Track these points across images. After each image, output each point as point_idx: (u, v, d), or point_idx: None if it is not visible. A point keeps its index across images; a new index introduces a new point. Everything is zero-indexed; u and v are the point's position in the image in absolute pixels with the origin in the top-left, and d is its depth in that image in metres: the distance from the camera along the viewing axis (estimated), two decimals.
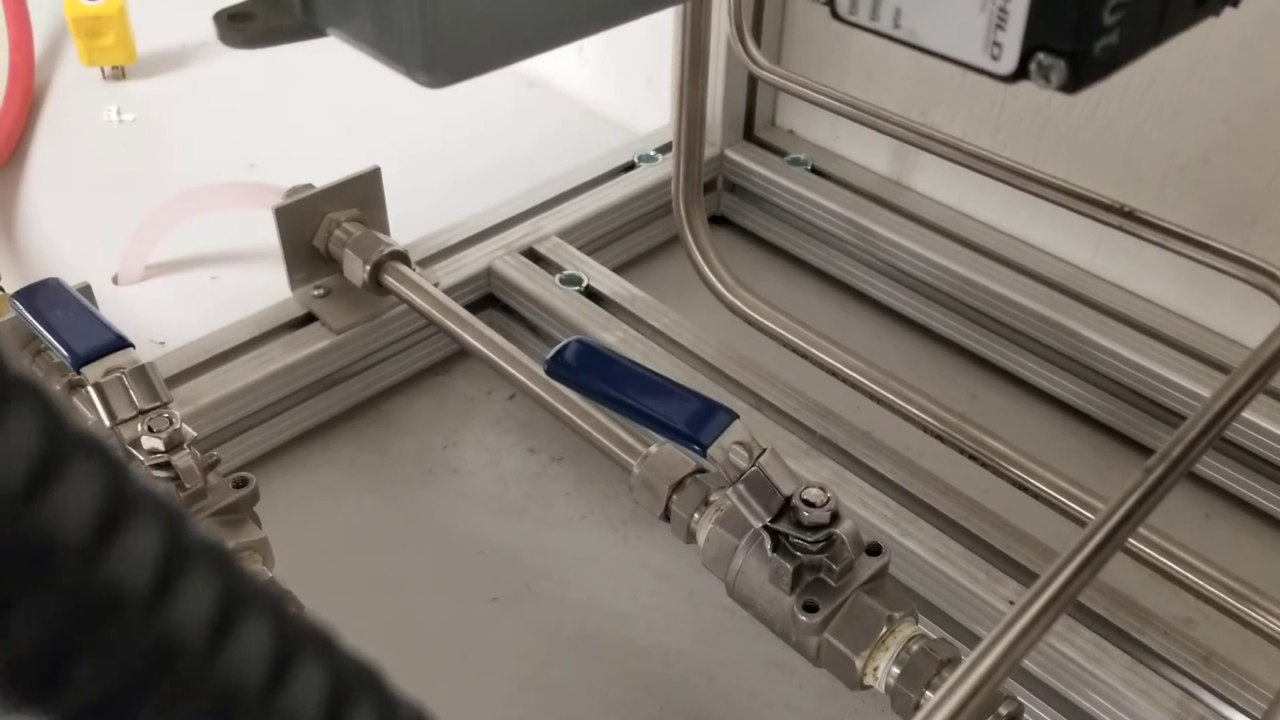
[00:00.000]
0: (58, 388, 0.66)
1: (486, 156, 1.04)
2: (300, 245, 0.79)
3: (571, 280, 0.82)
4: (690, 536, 0.59)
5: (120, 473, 0.14)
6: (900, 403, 0.69)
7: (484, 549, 0.73)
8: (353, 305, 0.79)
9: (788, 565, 0.53)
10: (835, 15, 0.33)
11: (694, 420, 0.54)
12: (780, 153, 0.95)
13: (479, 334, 0.71)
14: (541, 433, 0.80)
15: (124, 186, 1.05)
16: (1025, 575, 0.62)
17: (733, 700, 0.65)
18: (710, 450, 0.53)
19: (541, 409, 0.68)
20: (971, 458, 0.66)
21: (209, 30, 0.36)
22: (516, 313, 0.84)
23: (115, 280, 0.92)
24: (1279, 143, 0.70)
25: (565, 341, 0.58)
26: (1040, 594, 0.45)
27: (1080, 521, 0.62)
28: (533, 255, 0.85)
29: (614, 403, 0.57)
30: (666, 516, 0.60)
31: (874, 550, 0.54)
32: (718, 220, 0.98)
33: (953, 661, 0.51)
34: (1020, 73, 0.30)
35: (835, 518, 0.53)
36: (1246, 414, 0.69)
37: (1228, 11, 0.34)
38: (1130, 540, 0.60)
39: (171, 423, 0.56)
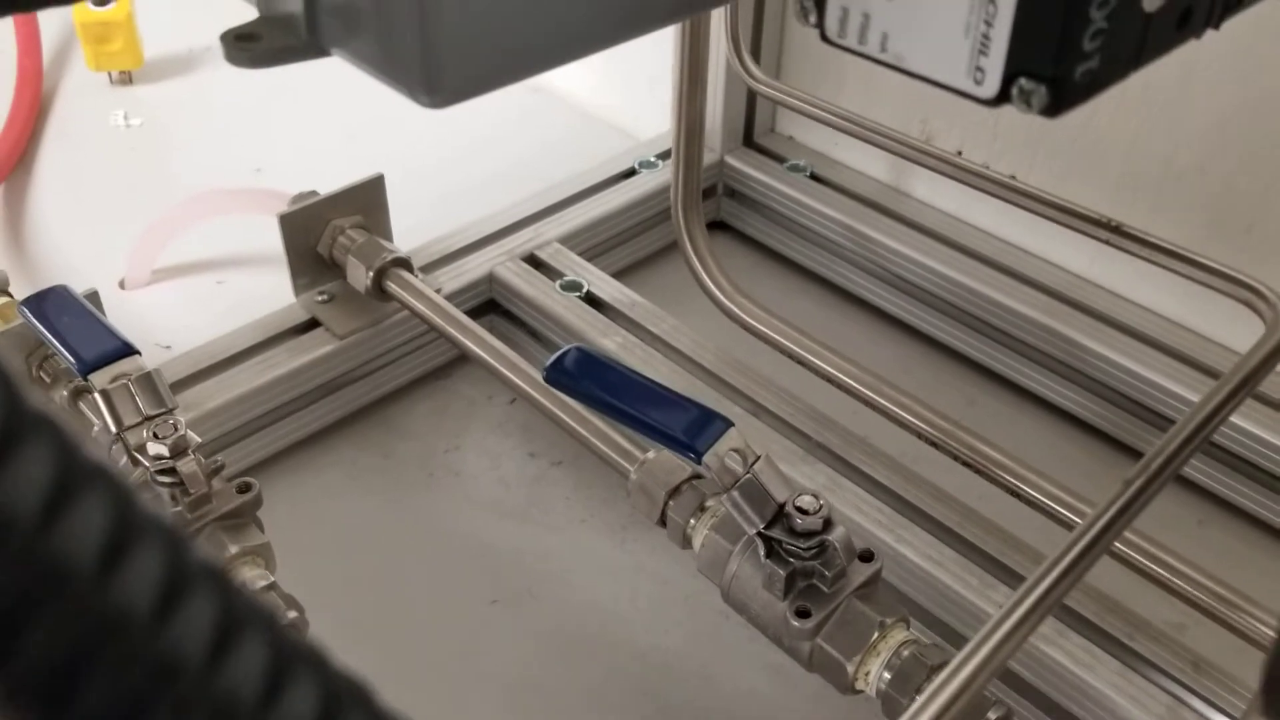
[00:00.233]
0: (65, 393, 0.67)
1: (490, 161, 1.05)
2: (304, 251, 0.80)
3: (572, 286, 0.83)
4: (686, 542, 0.60)
5: (128, 501, 0.15)
6: (895, 409, 0.70)
7: (485, 552, 0.74)
8: (356, 311, 0.80)
9: (781, 571, 0.54)
10: (824, 38, 0.34)
11: (690, 428, 0.55)
12: (780, 159, 0.96)
13: (480, 340, 0.72)
14: (542, 437, 0.80)
15: (131, 191, 1.06)
16: (1018, 581, 0.62)
17: (729, 702, 0.66)
18: (705, 457, 0.54)
19: (541, 414, 0.69)
20: (965, 464, 0.67)
21: (215, 35, 0.37)
22: (518, 318, 0.85)
23: (122, 285, 0.93)
24: (1273, 150, 0.71)
25: (564, 349, 0.59)
26: (1025, 598, 0.46)
27: (1072, 527, 0.63)
28: (534, 261, 0.86)
29: (612, 410, 0.57)
30: (663, 522, 0.61)
31: (866, 556, 0.55)
32: (718, 225, 0.99)
33: (943, 667, 0.52)
34: (1002, 97, 0.31)
35: (828, 524, 0.53)
36: (1239, 421, 0.70)
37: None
38: (1121, 546, 0.61)
39: (176, 429, 0.57)
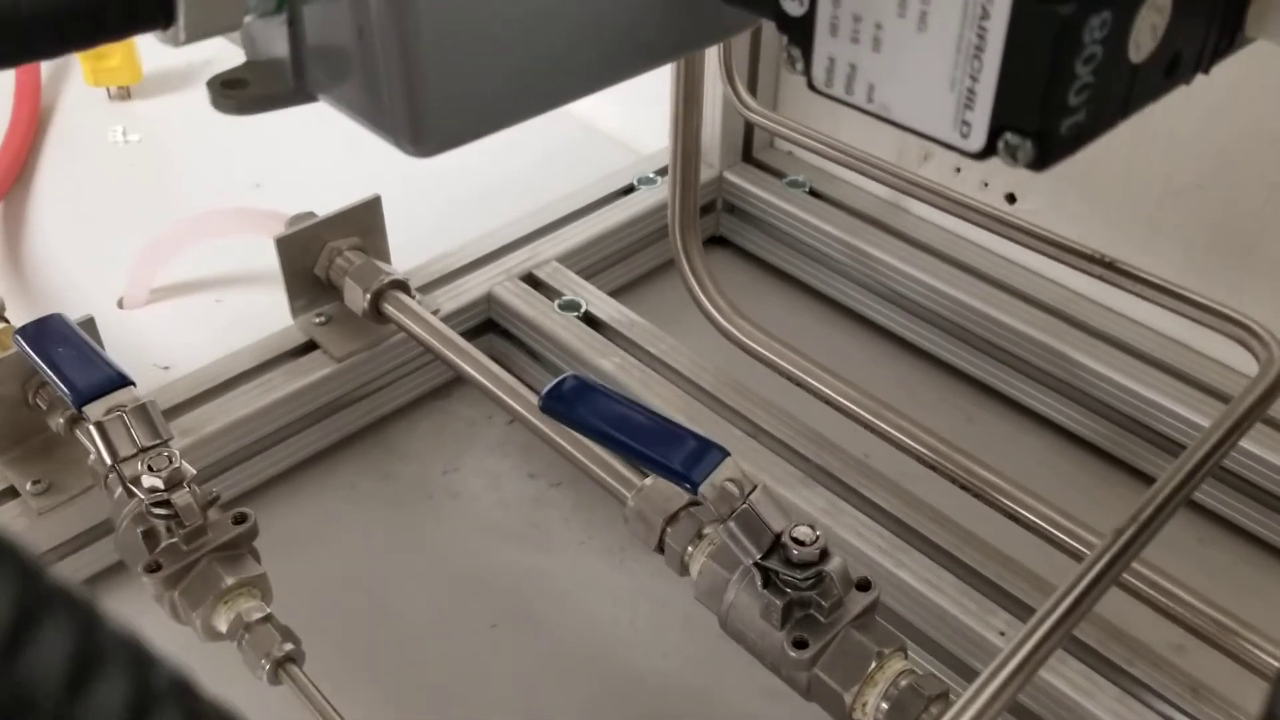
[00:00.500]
0: (61, 420, 0.67)
1: (489, 175, 1.04)
2: (301, 273, 0.79)
3: (570, 306, 0.83)
4: (684, 569, 0.60)
5: (91, 623, 0.15)
6: (894, 432, 0.70)
7: (485, 575, 0.74)
8: (354, 333, 0.80)
9: (778, 601, 0.53)
10: (812, 87, 0.34)
11: (686, 459, 0.55)
12: (779, 174, 0.95)
13: (477, 364, 0.72)
14: (540, 458, 0.80)
15: (130, 207, 1.06)
16: (1017, 606, 0.62)
17: None
18: (702, 488, 0.54)
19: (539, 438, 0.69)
20: (964, 488, 0.67)
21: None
22: (516, 338, 0.85)
23: (120, 304, 0.93)
24: (1272, 170, 0.71)
25: (560, 378, 0.59)
26: (1035, 630, 0.46)
27: (1072, 553, 0.63)
28: (532, 280, 0.86)
29: (608, 440, 0.57)
30: (660, 549, 0.60)
31: (864, 585, 0.55)
32: (717, 241, 0.99)
33: (941, 697, 0.52)
34: (989, 150, 0.30)
35: (824, 555, 0.53)
36: (1242, 442, 0.70)
37: None
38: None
39: (171, 461, 0.57)
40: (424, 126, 0.34)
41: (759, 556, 0.53)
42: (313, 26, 0.35)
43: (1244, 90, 0.69)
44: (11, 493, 0.69)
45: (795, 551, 0.53)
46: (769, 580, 0.54)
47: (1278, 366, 0.53)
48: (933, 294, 0.84)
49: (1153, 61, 0.31)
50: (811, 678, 0.53)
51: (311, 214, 0.80)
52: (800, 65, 0.34)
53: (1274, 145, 0.70)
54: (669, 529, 0.60)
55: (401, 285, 0.78)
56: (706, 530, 0.59)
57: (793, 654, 0.53)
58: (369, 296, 0.77)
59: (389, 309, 0.77)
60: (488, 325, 0.86)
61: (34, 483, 0.68)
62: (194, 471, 0.58)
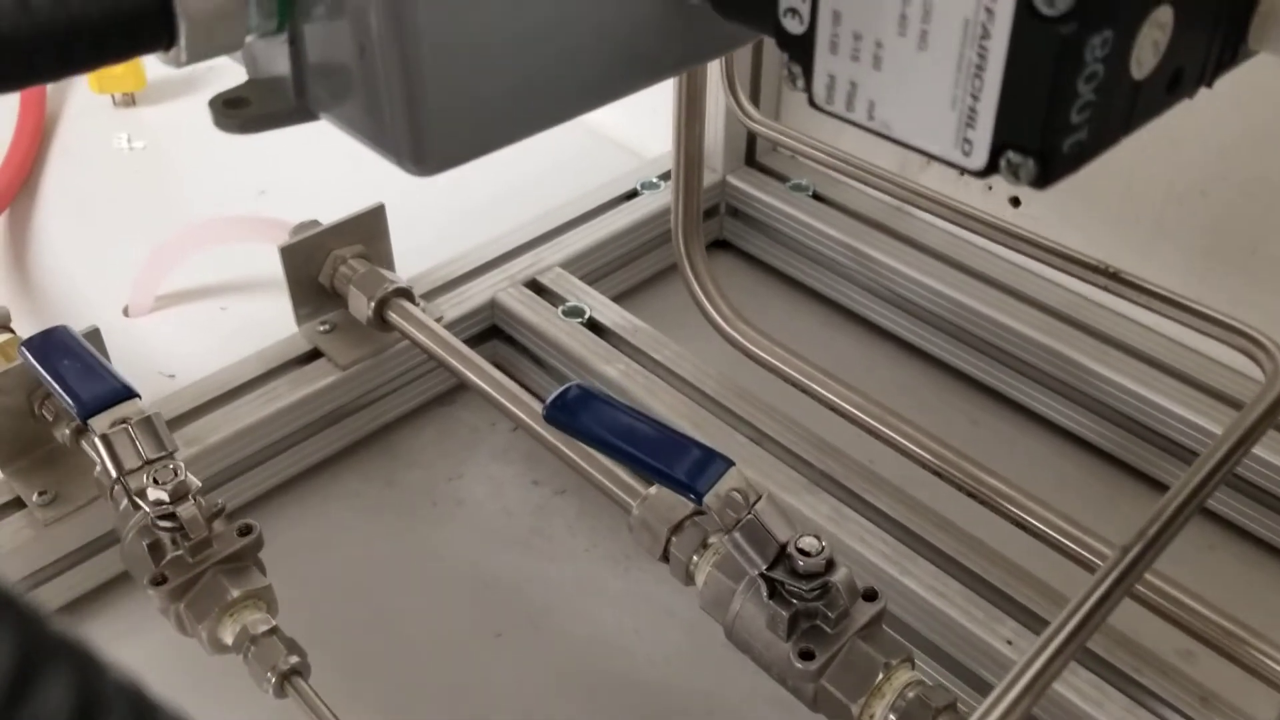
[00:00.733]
0: (66, 431, 0.67)
1: (492, 182, 1.04)
2: (306, 282, 0.80)
3: (574, 312, 0.83)
4: (689, 579, 0.59)
5: (34, 626, 0.15)
6: (899, 438, 0.70)
7: (489, 583, 0.74)
8: (358, 340, 0.80)
9: (784, 612, 0.53)
10: (812, 103, 0.34)
11: (690, 469, 0.55)
12: (782, 178, 0.95)
13: (481, 372, 0.72)
14: (545, 464, 0.80)
15: (135, 214, 1.06)
16: (1025, 614, 0.62)
17: None
18: (706, 498, 0.54)
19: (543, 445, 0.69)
20: (970, 495, 0.67)
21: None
22: (520, 344, 0.85)
23: (126, 312, 0.93)
24: (1274, 175, 0.70)
25: (564, 387, 0.59)
26: (1049, 643, 0.46)
27: (1078, 560, 0.63)
28: (535, 287, 0.86)
29: (612, 450, 0.57)
30: (665, 558, 0.60)
31: (870, 595, 0.55)
32: (720, 245, 0.99)
33: (949, 708, 0.52)
34: (991, 168, 0.30)
35: (830, 565, 0.53)
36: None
37: None
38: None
39: (176, 474, 0.57)
40: (425, 145, 0.34)
41: (764, 567, 0.53)
42: (314, 46, 0.35)
43: (1246, 96, 0.69)
44: (17, 504, 0.69)
45: (801, 562, 0.53)
46: (775, 591, 0.54)
47: None
48: (936, 297, 0.84)
49: (1155, 77, 0.31)
50: (818, 689, 0.53)
51: (316, 222, 0.80)
52: (801, 82, 0.34)
53: (1276, 150, 0.69)
54: (674, 538, 0.60)
55: (405, 293, 0.78)
56: (711, 540, 0.59)
57: (799, 665, 0.53)
58: (373, 304, 0.77)
59: (393, 317, 0.77)
60: (492, 332, 0.86)
61: (40, 494, 0.69)
62: (199, 484, 0.58)
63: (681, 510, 0.60)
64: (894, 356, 0.89)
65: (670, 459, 0.55)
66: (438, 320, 0.79)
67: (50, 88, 1.20)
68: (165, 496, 0.56)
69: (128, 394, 0.61)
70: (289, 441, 0.78)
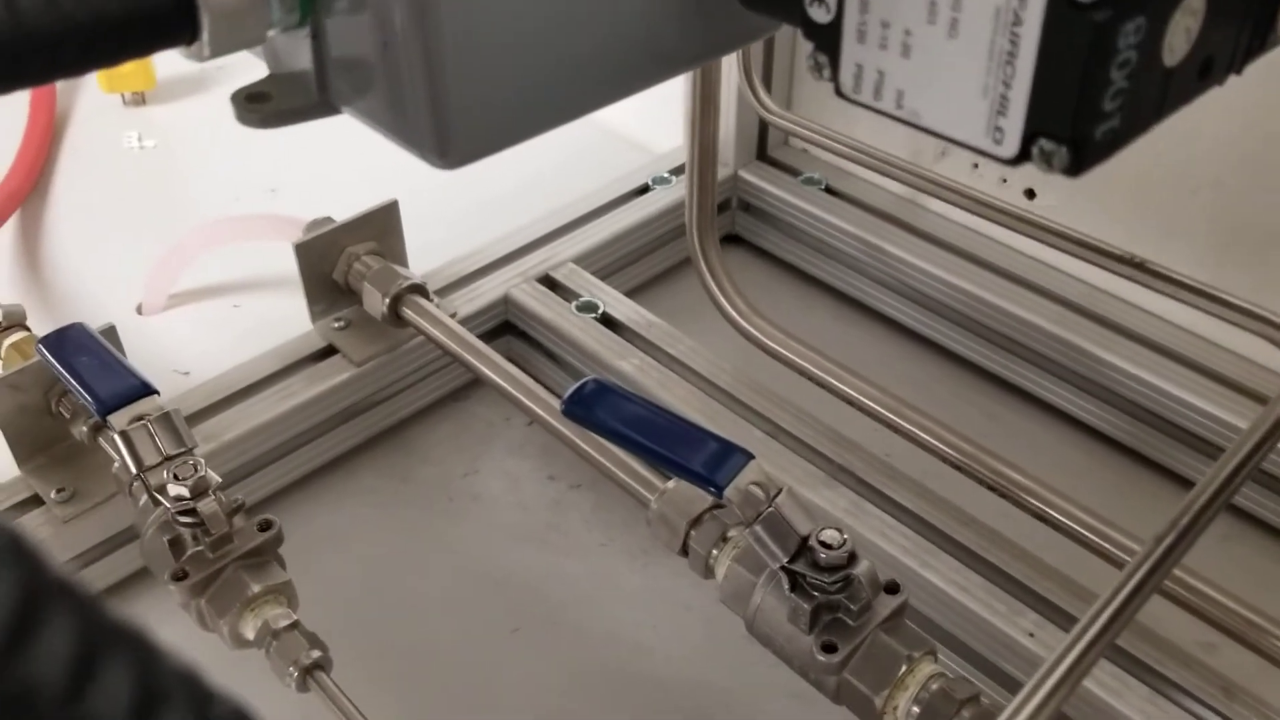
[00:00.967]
0: (84, 428, 0.67)
1: (504, 178, 1.04)
2: (320, 279, 0.80)
3: (588, 308, 0.83)
4: (708, 572, 0.59)
5: (95, 614, 0.15)
6: (918, 431, 0.70)
7: (506, 579, 0.74)
8: (372, 337, 0.80)
9: (805, 605, 0.53)
10: (839, 93, 0.33)
11: (710, 462, 0.55)
12: (794, 172, 0.95)
13: (496, 367, 0.72)
14: (560, 459, 0.80)
15: (146, 213, 1.06)
16: (1046, 606, 0.62)
17: None
18: (727, 492, 0.54)
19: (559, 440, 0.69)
20: (990, 488, 0.66)
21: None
22: (534, 340, 0.85)
23: (139, 310, 0.93)
24: None
25: (581, 382, 0.59)
26: (1077, 641, 0.45)
27: (1100, 552, 0.63)
28: (549, 282, 0.86)
29: (631, 444, 0.57)
30: (684, 552, 0.60)
31: (892, 588, 0.55)
32: (732, 239, 0.99)
33: (973, 700, 0.51)
34: (1023, 156, 0.30)
35: (852, 558, 0.53)
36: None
37: None
38: None
39: (196, 470, 0.57)
40: (449, 139, 0.34)
41: (786, 560, 0.53)
42: (336, 40, 0.35)
43: (1263, 85, 0.68)
44: (36, 501, 0.69)
45: (823, 555, 0.53)
46: (796, 584, 0.54)
47: None
48: (951, 290, 0.84)
49: (1186, 64, 0.31)
50: (841, 682, 0.53)
51: (329, 219, 0.80)
52: (827, 72, 0.33)
53: None
54: (693, 532, 0.60)
55: (420, 289, 0.78)
56: (731, 533, 0.59)
57: (821, 658, 0.53)
58: (388, 301, 0.77)
59: (408, 313, 0.77)
60: (505, 327, 0.86)
61: (58, 491, 0.69)
62: (219, 479, 0.58)
63: (700, 504, 0.60)
64: (908, 350, 0.89)
65: (689, 453, 0.55)
66: (452, 316, 0.79)
67: (60, 87, 1.21)
68: (186, 492, 0.56)
69: (146, 390, 0.61)
70: (304, 438, 0.78)
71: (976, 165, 0.85)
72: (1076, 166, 0.29)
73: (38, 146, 1.11)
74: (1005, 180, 0.84)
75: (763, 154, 0.97)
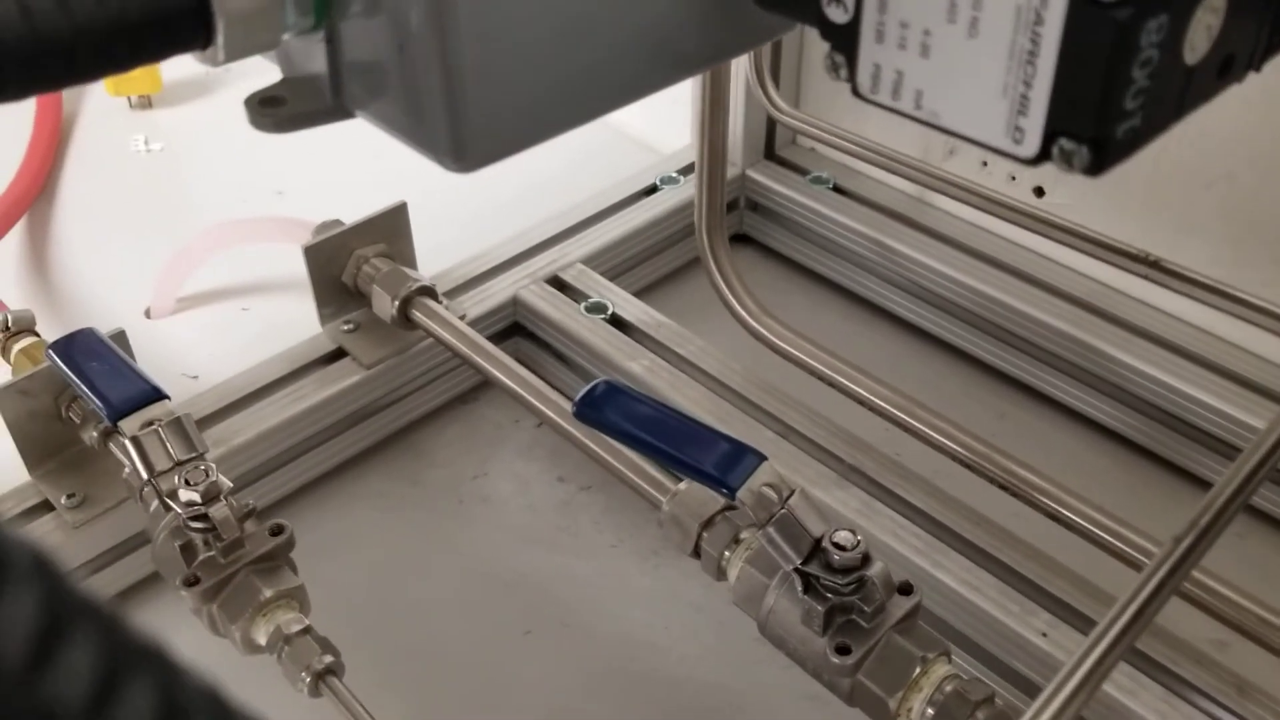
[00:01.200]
0: (94, 434, 0.67)
1: (512, 179, 1.04)
2: (329, 281, 0.79)
3: (597, 308, 0.82)
4: (721, 574, 0.59)
5: (117, 631, 0.15)
6: (929, 431, 0.69)
7: (517, 581, 0.74)
8: (382, 339, 0.80)
9: (819, 607, 0.53)
10: (856, 93, 0.33)
11: (722, 463, 0.54)
12: (802, 171, 0.95)
13: (506, 368, 0.72)
14: (569, 460, 0.80)
15: (153, 216, 1.06)
16: (1059, 606, 0.62)
17: None
18: (739, 493, 0.54)
19: (569, 441, 0.69)
20: (1002, 487, 0.66)
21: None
22: (543, 341, 0.84)
23: (147, 314, 0.93)
24: None
25: (592, 384, 0.59)
26: (1096, 644, 0.45)
27: (1114, 551, 0.62)
28: (558, 283, 0.85)
29: (643, 445, 0.57)
30: (696, 554, 0.60)
31: (905, 589, 0.55)
32: (741, 239, 0.99)
33: (987, 702, 0.51)
34: (1043, 156, 0.30)
35: (866, 560, 0.53)
36: None
37: None
38: None
39: (208, 475, 0.57)
40: (466, 142, 0.34)
41: (799, 562, 0.53)
42: (351, 43, 0.35)
43: (1275, 79, 0.68)
44: (46, 506, 0.69)
45: (836, 556, 0.52)
46: (809, 586, 0.54)
47: None
48: (961, 289, 0.84)
49: (1207, 62, 0.31)
50: (855, 684, 0.53)
51: (338, 221, 0.80)
52: (844, 72, 0.33)
53: None
54: (705, 534, 0.59)
55: (429, 291, 0.78)
56: (743, 535, 0.59)
57: (835, 660, 0.53)
58: (397, 303, 0.76)
59: (417, 315, 0.77)
60: (514, 329, 0.86)
61: (68, 496, 0.69)
62: (230, 484, 0.58)
63: (712, 506, 0.60)
64: (918, 349, 0.89)
65: (702, 454, 0.55)
66: (461, 318, 0.79)
67: (66, 90, 1.21)
68: (197, 498, 0.56)
69: (157, 395, 0.60)
70: (314, 441, 0.78)
71: (986, 163, 0.85)
72: (1097, 166, 0.29)
73: (44, 150, 1.11)
74: (1014, 178, 0.84)
75: (771, 153, 0.97)
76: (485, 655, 0.69)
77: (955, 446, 0.68)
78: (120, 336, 0.70)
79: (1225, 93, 0.33)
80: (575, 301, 0.83)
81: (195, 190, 1.09)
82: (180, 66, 1.21)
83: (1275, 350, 0.74)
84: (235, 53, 0.33)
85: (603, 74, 0.36)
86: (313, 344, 0.80)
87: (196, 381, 0.85)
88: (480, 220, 0.95)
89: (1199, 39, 0.29)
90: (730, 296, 0.79)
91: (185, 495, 0.57)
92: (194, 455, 0.59)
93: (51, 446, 0.70)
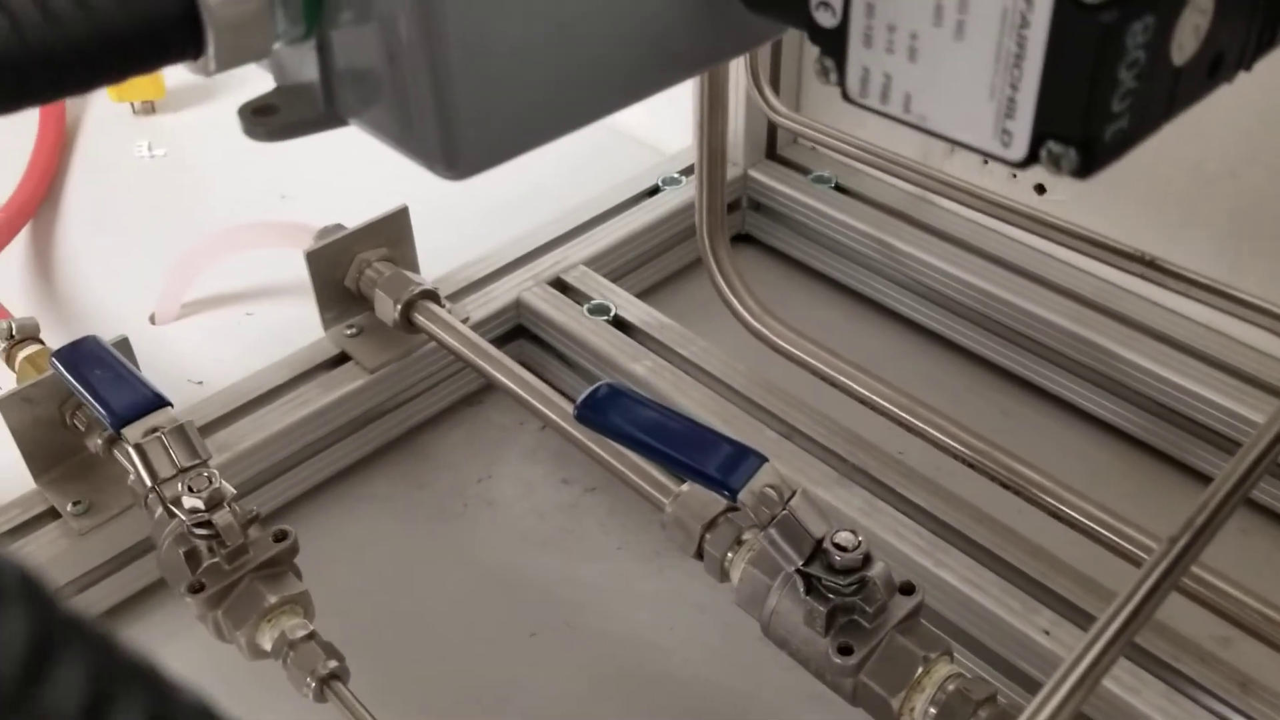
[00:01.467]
0: (99, 441, 0.67)
1: (513, 181, 1.04)
2: (332, 286, 0.80)
3: (599, 310, 0.83)
4: (724, 575, 0.59)
5: (108, 650, 0.15)
6: (931, 430, 0.69)
7: (522, 583, 0.74)
8: (385, 343, 0.80)
9: (821, 608, 0.53)
10: (846, 97, 0.33)
11: (724, 465, 0.55)
12: (804, 170, 0.95)
13: (509, 371, 0.72)
14: (574, 462, 0.80)
15: (158, 222, 1.06)
16: (1061, 604, 0.62)
17: None
18: (741, 495, 0.54)
19: (573, 444, 0.69)
20: (1005, 486, 0.66)
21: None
22: (546, 343, 0.85)
23: (152, 319, 0.94)
24: None
25: (594, 387, 0.59)
26: (1096, 639, 0.45)
27: (1115, 549, 0.62)
28: (560, 285, 0.86)
29: (645, 448, 0.57)
30: (700, 555, 0.60)
31: (907, 589, 0.55)
32: (743, 238, 0.99)
33: (989, 700, 0.51)
34: (1031, 158, 0.30)
35: (867, 560, 0.53)
36: None
37: None
38: None
39: (211, 481, 0.57)
40: (457, 150, 0.34)
41: (801, 563, 0.53)
42: (342, 52, 0.35)
43: (1275, 74, 0.68)
44: (52, 514, 0.70)
45: (838, 557, 0.52)
46: (811, 586, 0.54)
47: None
48: (964, 287, 0.84)
49: (1195, 62, 0.31)
50: (857, 684, 0.53)
51: (340, 226, 0.80)
52: (834, 76, 0.33)
53: None
54: (708, 535, 0.59)
55: (431, 295, 0.78)
56: (746, 536, 0.59)
57: (838, 660, 0.53)
58: (399, 307, 0.77)
59: (420, 319, 0.77)
60: (517, 331, 0.86)
61: (74, 504, 0.69)
62: (234, 491, 0.59)
63: (714, 507, 0.60)
64: (921, 347, 0.89)
65: (704, 456, 0.55)
66: (464, 321, 0.79)
67: (69, 98, 1.21)
68: (201, 504, 0.56)
69: (160, 403, 0.61)
70: (318, 446, 0.78)
71: (986, 161, 0.84)
72: (1085, 168, 0.29)
73: (48, 157, 1.11)
74: (1015, 175, 0.83)
75: (772, 153, 0.97)
76: (491, 658, 0.70)
77: (957, 445, 0.68)
78: (124, 344, 0.70)
79: (1227, 89, 0.33)
80: (578, 303, 0.83)
81: (199, 195, 1.10)
82: (182, 72, 1.22)
83: (1277, 345, 0.74)
84: (226, 62, 0.34)
85: (594, 79, 0.36)
86: (316, 349, 0.80)
87: (201, 387, 0.86)
88: (482, 223, 0.95)
89: (1187, 39, 0.29)
90: (732, 297, 0.79)
91: (189, 502, 0.57)
92: (197, 462, 0.59)
93: (56, 454, 0.70)
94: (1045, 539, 0.65)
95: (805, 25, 0.33)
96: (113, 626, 0.16)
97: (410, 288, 0.77)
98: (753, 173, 0.95)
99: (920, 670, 0.52)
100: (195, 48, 0.33)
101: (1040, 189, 0.82)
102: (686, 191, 0.93)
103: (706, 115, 0.73)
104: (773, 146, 0.97)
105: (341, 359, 0.80)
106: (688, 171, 0.95)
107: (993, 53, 0.29)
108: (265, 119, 0.38)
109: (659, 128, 1.08)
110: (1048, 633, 0.60)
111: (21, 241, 1.03)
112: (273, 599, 0.57)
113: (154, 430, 0.59)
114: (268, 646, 0.57)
